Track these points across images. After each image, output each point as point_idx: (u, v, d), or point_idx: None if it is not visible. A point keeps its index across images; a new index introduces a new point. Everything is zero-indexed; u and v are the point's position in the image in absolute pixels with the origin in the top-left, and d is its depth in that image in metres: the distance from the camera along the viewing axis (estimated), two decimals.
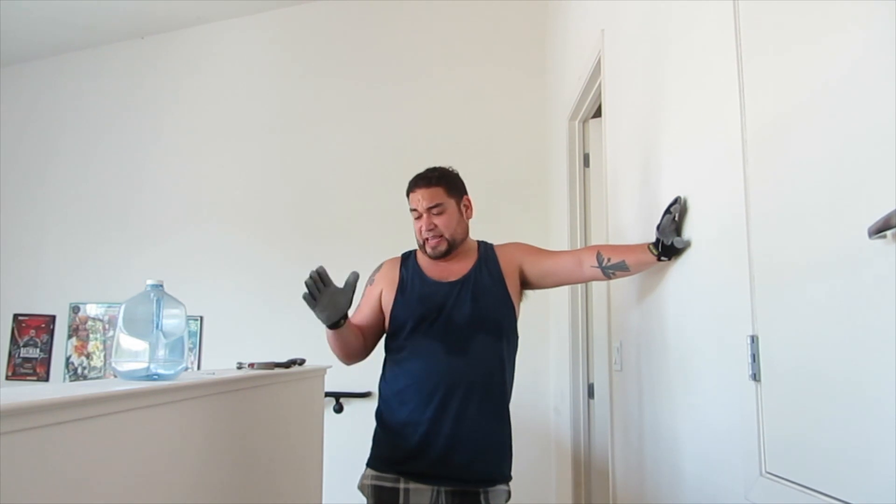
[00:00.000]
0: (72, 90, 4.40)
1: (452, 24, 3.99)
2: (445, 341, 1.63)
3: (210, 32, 4.26)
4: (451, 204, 1.72)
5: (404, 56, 4.02)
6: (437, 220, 1.69)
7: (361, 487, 1.66)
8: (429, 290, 1.69)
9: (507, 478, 1.68)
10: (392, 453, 1.64)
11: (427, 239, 1.70)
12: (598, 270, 1.65)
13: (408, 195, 1.75)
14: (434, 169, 1.77)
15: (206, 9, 4.12)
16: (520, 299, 1.75)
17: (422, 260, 1.77)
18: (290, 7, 4.13)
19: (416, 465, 1.60)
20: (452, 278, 1.71)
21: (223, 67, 4.25)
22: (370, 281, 1.79)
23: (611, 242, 2.12)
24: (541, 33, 3.84)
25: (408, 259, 1.79)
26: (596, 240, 2.73)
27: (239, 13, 4.18)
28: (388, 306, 1.72)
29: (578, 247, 2.85)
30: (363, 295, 1.78)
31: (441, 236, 1.69)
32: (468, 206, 1.78)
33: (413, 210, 1.72)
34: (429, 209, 1.69)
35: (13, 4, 3.78)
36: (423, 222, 1.70)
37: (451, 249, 1.72)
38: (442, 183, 1.72)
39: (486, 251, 1.78)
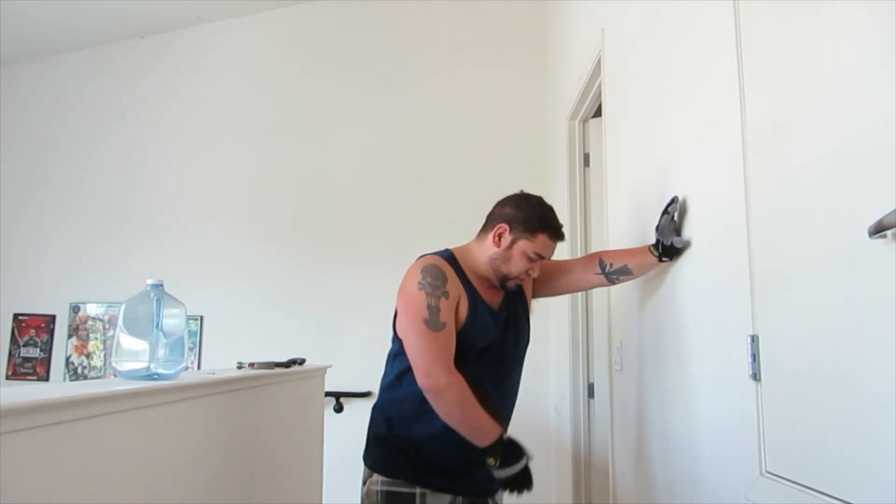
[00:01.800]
0: (72, 90, 4.40)
1: (452, 24, 3.99)
2: (491, 373, 1.57)
3: (210, 32, 4.26)
4: None
5: (404, 56, 4.02)
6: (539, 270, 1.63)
7: (368, 493, 1.57)
8: (487, 319, 1.58)
9: None
10: (410, 464, 1.56)
11: (520, 278, 1.60)
12: (602, 277, 1.65)
13: (540, 233, 1.56)
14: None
15: (206, 9, 4.12)
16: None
17: (471, 276, 1.60)
18: (290, 7, 4.13)
19: (437, 479, 1.55)
20: (495, 304, 1.62)
21: (223, 67, 4.25)
22: (443, 293, 1.51)
23: (611, 244, 2.12)
24: (541, 33, 3.83)
25: (458, 271, 1.59)
26: (596, 240, 2.73)
27: (239, 13, 4.18)
28: (457, 323, 1.53)
29: (579, 246, 2.86)
30: (439, 309, 1.48)
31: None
32: None
33: (539, 255, 1.57)
34: (545, 260, 1.62)
35: (13, 4, 3.78)
36: (537, 269, 1.59)
37: None
38: None
39: None
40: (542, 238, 1.55)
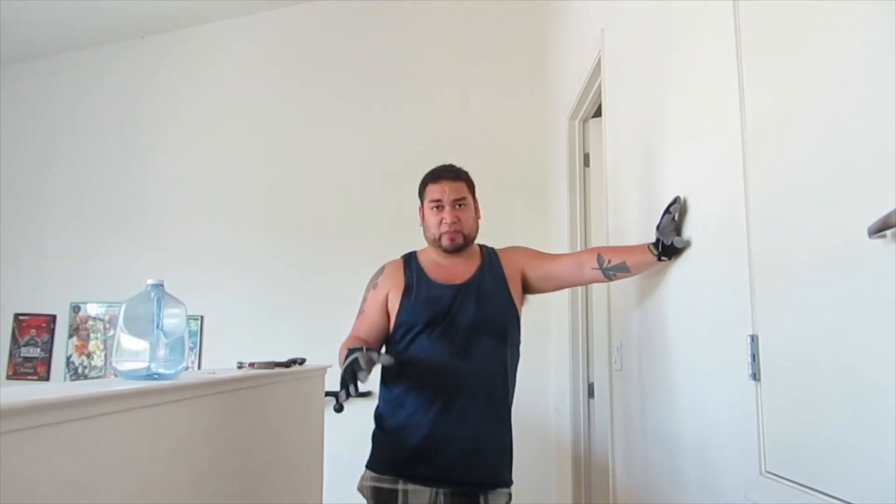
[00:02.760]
0: (72, 90, 4.40)
1: (453, 24, 3.99)
2: (449, 344, 1.63)
3: (210, 32, 4.26)
4: (470, 201, 1.74)
5: (404, 56, 4.02)
6: (460, 214, 1.70)
7: (361, 489, 1.67)
8: (435, 292, 1.68)
9: (507, 482, 1.68)
10: (391, 455, 1.64)
11: (446, 232, 1.69)
12: (599, 272, 1.66)
13: (426, 187, 1.74)
14: (453, 165, 1.78)
15: (206, 9, 4.12)
16: (522, 303, 1.76)
17: (425, 262, 1.76)
18: (289, 7, 4.13)
19: (416, 467, 1.61)
20: (457, 281, 1.70)
21: (223, 67, 4.25)
22: (373, 285, 1.76)
23: (611, 242, 2.12)
24: (541, 33, 3.83)
25: (410, 261, 1.78)
26: (596, 240, 2.73)
27: (239, 13, 4.18)
28: (393, 309, 1.71)
29: (578, 246, 2.85)
30: (365, 300, 1.76)
31: (460, 231, 1.70)
32: (478, 208, 1.79)
33: (435, 201, 1.70)
34: (454, 202, 1.69)
35: (13, 4, 3.78)
36: (447, 214, 1.69)
37: (465, 246, 1.72)
38: (465, 178, 1.76)
39: (490, 255, 1.78)
40: (429, 188, 1.74)
